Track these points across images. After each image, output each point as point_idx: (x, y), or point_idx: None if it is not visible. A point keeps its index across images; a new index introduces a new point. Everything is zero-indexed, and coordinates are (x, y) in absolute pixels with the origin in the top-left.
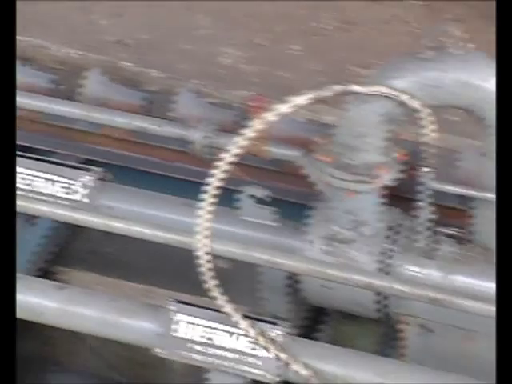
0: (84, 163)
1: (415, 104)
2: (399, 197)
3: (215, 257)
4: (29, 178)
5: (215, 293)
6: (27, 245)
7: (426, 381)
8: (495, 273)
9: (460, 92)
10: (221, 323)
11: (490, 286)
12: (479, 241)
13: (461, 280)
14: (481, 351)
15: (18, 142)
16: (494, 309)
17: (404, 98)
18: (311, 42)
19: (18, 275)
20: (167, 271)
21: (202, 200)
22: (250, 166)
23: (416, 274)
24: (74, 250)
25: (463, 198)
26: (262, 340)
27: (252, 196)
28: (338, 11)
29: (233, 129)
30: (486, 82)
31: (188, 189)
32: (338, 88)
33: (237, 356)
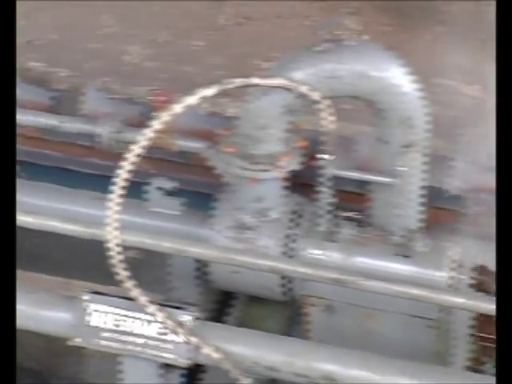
0: None
1: (314, 95)
2: (301, 183)
3: (126, 247)
4: None
5: (127, 282)
6: None
7: (331, 358)
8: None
9: (356, 82)
10: (133, 311)
11: (388, 265)
12: (377, 222)
13: (361, 260)
14: (380, 327)
15: None
16: (391, 287)
17: (303, 89)
18: (213, 37)
19: None
20: (82, 263)
21: (111, 193)
22: (157, 159)
23: (318, 256)
24: None
25: (361, 183)
26: (172, 325)
27: (160, 188)
28: (239, 7)
29: (140, 123)
30: (381, 71)
31: (98, 183)
32: (240, 81)
33: (149, 342)
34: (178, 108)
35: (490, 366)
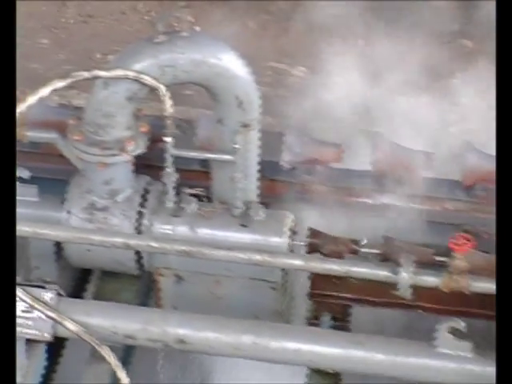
0: None
1: (155, 83)
2: (147, 165)
3: None
4: None
5: None
6: None
7: (182, 323)
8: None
9: (193, 69)
10: None
11: (231, 235)
12: (219, 197)
13: (205, 232)
14: (228, 292)
15: None
16: (235, 254)
17: (145, 78)
18: (57, 35)
19: None
20: None
21: None
22: None
23: (167, 231)
24: None
25: (204, 161)
26: (34, 303)
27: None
28: (83, 6)
29: None
30: (215, 58)
31: None
32: (85, 74)
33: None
34: (32, 100)
35: (325, 320)
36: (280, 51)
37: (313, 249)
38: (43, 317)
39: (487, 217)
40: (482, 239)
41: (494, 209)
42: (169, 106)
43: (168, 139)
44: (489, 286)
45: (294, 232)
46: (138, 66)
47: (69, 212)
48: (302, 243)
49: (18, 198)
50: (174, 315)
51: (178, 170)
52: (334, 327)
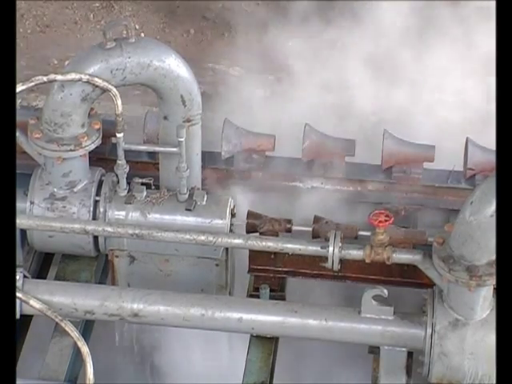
0: None
1: (106, 85)
2: (101, 158)
3: None
4: None
5: None
6: None
7: (136, 299)
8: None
9: (140, 72)
10: None
11: (178, 219)
12: (166, 185)
13: (155, 216)
14: (176, 269)
15: None
16: (181, 235)
17: (96, 81)
18: (17, 44)
19: None
20: None
21: None
22: None
23: (121, 216)
24: None
25: (151, 153)
26: None
27: None
28: (37, 18)
29: None
30: (159, 61)
31: None
32: (44, 78)
33: None
34: None
35: (264, 291)
36: (218, 53)
37: (251, 228)
38: None
39: (404, 196)
40: (399, 215)
41: (409, 188)
42: (119, 105)
43: (119, 135)
44: (407, 257)
45: (233, 214)
46: (90, 70)
47: (32, 202)
48: (241, 224)
49: None
50: (129, 292)
51: (128, 162)
52: (272, 297)
